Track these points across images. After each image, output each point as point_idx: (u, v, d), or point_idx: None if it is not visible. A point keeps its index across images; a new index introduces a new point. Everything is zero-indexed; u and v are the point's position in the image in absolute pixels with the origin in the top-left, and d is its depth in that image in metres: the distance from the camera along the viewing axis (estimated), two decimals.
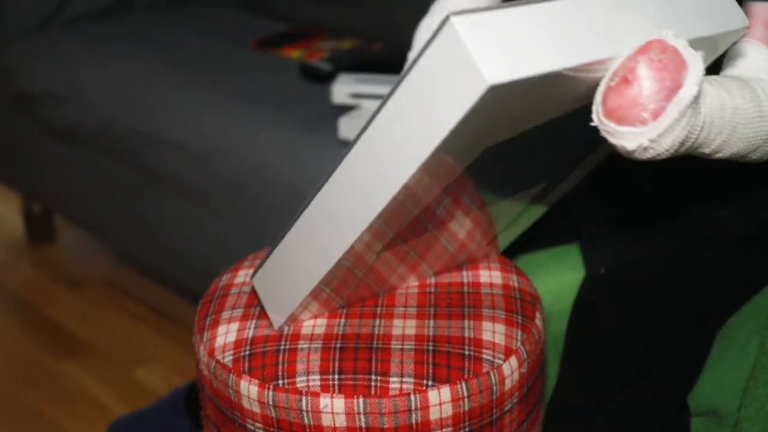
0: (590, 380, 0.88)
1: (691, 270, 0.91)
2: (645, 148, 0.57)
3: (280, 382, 0.79)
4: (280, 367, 0.80)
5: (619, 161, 0.90)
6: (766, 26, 0.70)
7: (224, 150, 1.45)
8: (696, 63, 0.55)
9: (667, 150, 0.57)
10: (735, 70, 0.68)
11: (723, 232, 0.93)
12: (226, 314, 0.87)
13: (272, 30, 1.87)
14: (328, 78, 1.55)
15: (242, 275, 0.94)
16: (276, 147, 1.39)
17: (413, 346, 0.81)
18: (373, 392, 0.77)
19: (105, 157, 1.67)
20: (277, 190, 1.37)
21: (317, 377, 0.78)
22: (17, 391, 1.58)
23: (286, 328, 0.82)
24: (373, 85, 1.39)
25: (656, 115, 0.55)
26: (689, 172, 0.96)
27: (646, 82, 0.55)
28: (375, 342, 0.82)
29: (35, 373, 1.63)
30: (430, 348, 0.81)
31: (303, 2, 1.92)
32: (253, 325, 0.84)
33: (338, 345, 0.81)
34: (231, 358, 0.82)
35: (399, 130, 0.62)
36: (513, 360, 0.81)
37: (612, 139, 0.57)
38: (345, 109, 1.42)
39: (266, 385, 0.79)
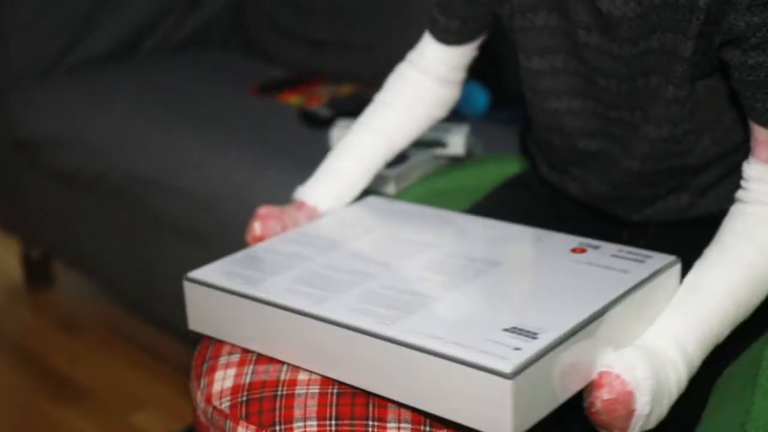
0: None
1: None
2: None
3: (278, 428, 0.78)
4: (277, 412, 0.79)
5: None
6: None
7: (223, 194, 1.46)
8: (640, 386, 0.73)
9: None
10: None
11: None
12: (223, 359, 0.87)
13: (272, 75, 1.89)
14: (327, 123, 1.56)
15: None
16: (275, 191, 1.40)
17: None
18: None
19: (104, 201, 1.68)
20: None
21: (314, 423, 0.78)
22: None
23: (283, 374, 0.82)
24: None
25: (624, 430, 0.74)
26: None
27: (606, 416, 0.73)
28: None
29: (33, 418, 1.62)
30: None
31: (303, 48, 1.94)
32: (250, 371, 0.84)
33: (335, 390, 0.81)
34: (228, 403, 0.82)
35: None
36: None
37: None
38: None
39: (263, 431, 0.79)
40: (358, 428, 0.77)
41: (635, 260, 0.84)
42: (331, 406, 0.79)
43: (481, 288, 0.81)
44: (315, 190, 1.02)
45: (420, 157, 1.33)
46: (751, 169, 0.85)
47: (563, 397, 0.74)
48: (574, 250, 0.87)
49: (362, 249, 0.90)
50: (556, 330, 0.72)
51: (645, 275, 0.81)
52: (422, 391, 0.72)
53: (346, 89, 1.76)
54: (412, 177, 1.31)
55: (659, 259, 0.84)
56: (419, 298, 0.79)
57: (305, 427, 0.78)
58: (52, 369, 1.77)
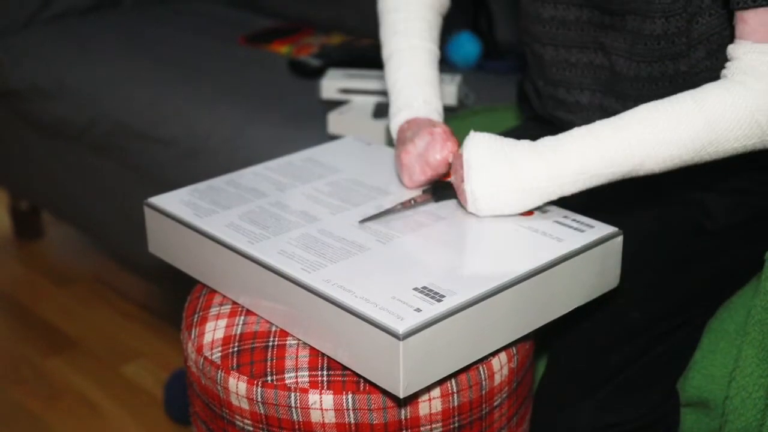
0: (579, 369, 0.88)
1: (678, 257, 0.92)
2: None
3: (269, 378, 0.78)
4: (268, 363, 0.79)
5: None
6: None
7: (212, 146, 1.45)
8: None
9: None
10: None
11: (709, 220, 0.94)
12: (214, 311, 0.86)
13: (261, 26, 1.86)
14: (317, 73, 1.54)
15: None
16: (264, 142, 1.39)
17: None
18: (361, 388, 0.77)
19: (92, 153, 1.66)
20: None
21: (306, 374, 0.78)
22: (4, 388, 1.57)
23: (274, 324, 0.82)
24: (362, 80, 1.38)
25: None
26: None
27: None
28: None
29: (23, 370, 1.62)
30: None
31: None
32: (241, 322, 0.84)
33: None
34: (219, 354, 0.82)
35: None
36: (502, 355, 0.81)
37: None
38: (334, 104, 1.42)
39: (255, 382, 0.79)
40: (350, 378, 0.77)
41: (576, 229, 0.83)
42: (322, 356, 0.79)
43: (414, 242, 0.81)
44: (429, 105, 0.96)
45: None
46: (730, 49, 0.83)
47: (474, 357, 0.74)
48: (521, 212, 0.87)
49: (319, 190, 0.92)
50: (463, 294, 0.73)
51: (577, 246, 0.80)
52: (330, 339, 0.75)
53: (336, 39, 1.74)
54: None
55: (600, 229, 0.83)
56: (350, 247, 0.80)
57: (297, 377, 0.78)
58: (43, 320, 1.77)
